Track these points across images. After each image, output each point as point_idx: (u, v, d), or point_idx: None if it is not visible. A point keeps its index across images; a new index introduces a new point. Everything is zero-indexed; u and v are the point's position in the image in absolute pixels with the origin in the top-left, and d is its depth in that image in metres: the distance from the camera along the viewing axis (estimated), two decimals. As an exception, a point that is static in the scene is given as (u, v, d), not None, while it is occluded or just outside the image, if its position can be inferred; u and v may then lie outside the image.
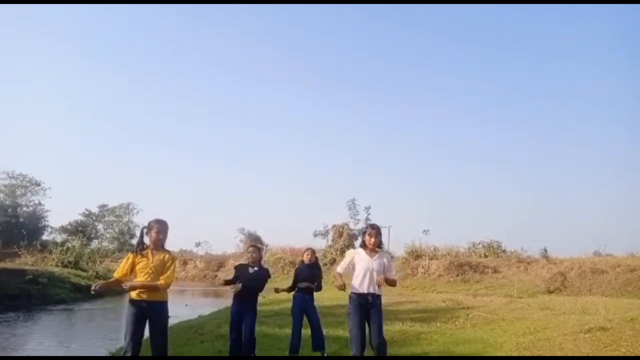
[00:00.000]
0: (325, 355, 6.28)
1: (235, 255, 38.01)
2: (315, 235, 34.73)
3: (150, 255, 4.32)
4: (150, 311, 4.24)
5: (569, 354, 5.95)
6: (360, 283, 4.70)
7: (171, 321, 5.05)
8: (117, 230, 52.50)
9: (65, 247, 24.71)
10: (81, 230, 41.40)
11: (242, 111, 73.84)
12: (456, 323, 9.49)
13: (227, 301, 9.24)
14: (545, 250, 21.48)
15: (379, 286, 4.69)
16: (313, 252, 6.80)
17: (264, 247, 36.80)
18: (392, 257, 6.11)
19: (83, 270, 23.36)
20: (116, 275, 4.36)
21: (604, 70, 62.23)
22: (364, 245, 4.87)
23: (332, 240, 32.90)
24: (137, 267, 4.29)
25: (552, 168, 61.13)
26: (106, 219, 53.83)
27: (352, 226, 32.73)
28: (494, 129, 66.68)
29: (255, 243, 21.58)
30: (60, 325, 12.97)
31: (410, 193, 64.30)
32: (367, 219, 32.13)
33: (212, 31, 74.44)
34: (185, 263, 40.60)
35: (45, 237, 41.18)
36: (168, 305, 4.42)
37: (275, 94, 73.69)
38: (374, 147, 70.66)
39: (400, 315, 10.90)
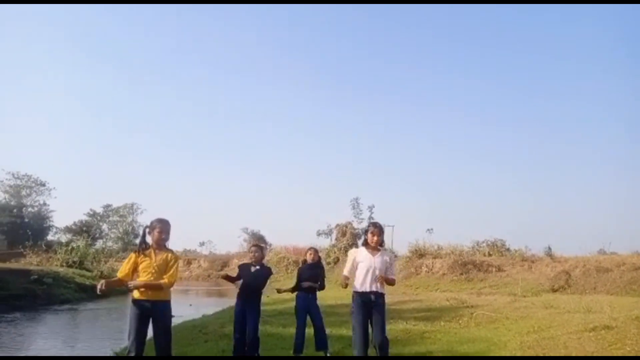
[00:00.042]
0: (329, 354, 6.28)
1: (239, 254, 38.03)
2: (319, 234, 34.83)
3: (153, 254, 4.33)
4: (153, 311, 4.25)
5: (574, 353, 5.93)
6: (363, 282, 4.70)
7: (175, 321, 5.05)
8: (121, 230, 52.70)
9: (70, 247, 24.81)
10: (86, 230, 41.50)
11: (242, 111, 73.90)
12: (460, 322, 9.47)
13: (231, 301, 9.26)
14: (550, 249, 21.38)
15: (381, 284, 4.69)
16: (316, 251, 6.80)
17: (268, 247, 36.87)
18: (395, 256, 6.11)
19: (88, 270, 23.44)
20: (119, 275, 4.37)
21: (604, 70, 62.00)
22: (365, 244, 4.87)
23: (336, 239, 32.93)
24: (140, 266, 4.29)
25: (552, 168, 60.91)
26: (110, 219, 53.98)
27: (355, 225, 32.74)
28: (494, 129, 66.52)
29: (258, 242, 21.62)
30: (65, 325, 13.04)
31: (410, 193, 64.19)
32: (370, 218, 32.10)
33: (213, 31, 74.64)
34: (189, 263, 40.71)
35: (50, 237, 41.30)
36: (171, 305, 4.43)
37: (275, 94, 73.74)
38: (374, 147, 70.58)
39: (404, 314, 10.90)
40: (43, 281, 17.47)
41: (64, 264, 23.10)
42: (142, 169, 72.62)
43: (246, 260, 6.42)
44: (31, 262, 23.60)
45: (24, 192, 45.66)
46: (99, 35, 69.98)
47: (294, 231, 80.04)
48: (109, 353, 7.89)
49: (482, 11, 63.17)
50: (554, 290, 16.57)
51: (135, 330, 4.19)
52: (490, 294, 16.04)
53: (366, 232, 4.97)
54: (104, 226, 53.71)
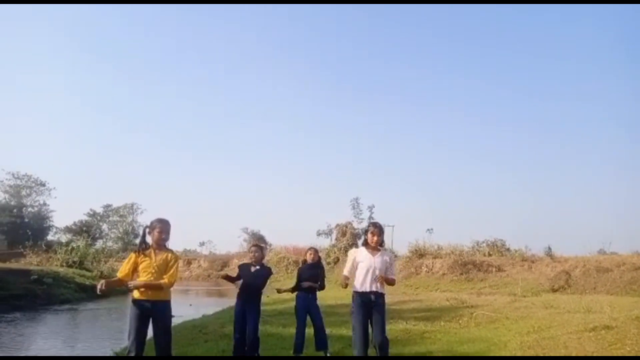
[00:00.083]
0: (329, 354, 6.28)
1: (239, 254, 38.04)
2: (319, 234, 34.83)
3: (152, 254, 4.32)
4: (153, 311, 4.25)
5: (574, 353, 5.92)
6: (363, 282, 4.69)
7: (175, 321, 5.05)
8: (121, 230, 52.73)
9: (70, 247, 24.80)
10: (86, 230, 41.45)
11: (242, 111, 73.98)
12: (460, 322, 9.47)
13: (230, 301, 9.26)
14: (550, 249, 21.39)
15: (381, 284, 4.69)
16: (316, 251, 6.80)
17: (268, 247, 36.86)
18: (395, 256, 6.11)
19: (88, 270, 23.44)
20: (119, 275, 4.36)
21: (604, 71, 62.10)
22: (365, 244, 4.87)
23: (336, 239, 32.93)
24: (140, 266, 4.29)
25: (552, 168, 61.01)
26: (110, 219, 54.03)
27: (355, 225, 32.74)
28: (494, 129, 66.65)
29: (258, 242, 21.63)
30: (65, 325, 13.03)
31: (410, 193, 64.26)
32: (370, 218, 32.11)
33: (212, 31, 74.72)
34: (189, 263, 40.73)
35: (50, 237, 41.29)
36: (172, 305, 4.43)
37: (275, 94, 73.87)
38: (374, 147, 70.72)
39: (404, 314, 10.90)
40: (43, 281, 17.47)
41: (64, 264, 23.11)
42: (142, 169, 72.81)
43: (246, 260, 6.41)
44: (31, 262, 23.63)
45: (24, 192, 45.67)
46: (99, 35, 70.23)
47: (294, 231, 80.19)
48: (109, 353, 7.89)
49: (482, 11, 63.34)
50: (554, 290, 16.58)
51: (135, 330, 4.19)
52: (490, 294, 16.04)
53: (366, 232, 4.97)
54: (104, 226, 53.77)
